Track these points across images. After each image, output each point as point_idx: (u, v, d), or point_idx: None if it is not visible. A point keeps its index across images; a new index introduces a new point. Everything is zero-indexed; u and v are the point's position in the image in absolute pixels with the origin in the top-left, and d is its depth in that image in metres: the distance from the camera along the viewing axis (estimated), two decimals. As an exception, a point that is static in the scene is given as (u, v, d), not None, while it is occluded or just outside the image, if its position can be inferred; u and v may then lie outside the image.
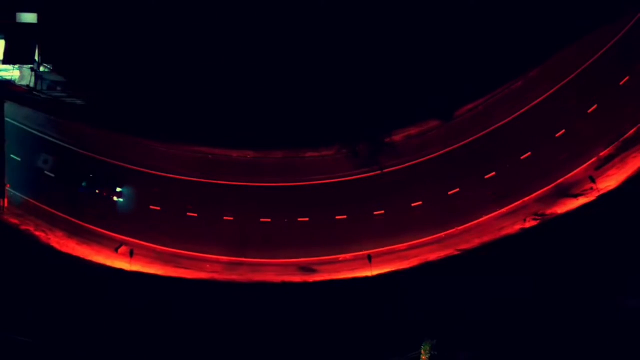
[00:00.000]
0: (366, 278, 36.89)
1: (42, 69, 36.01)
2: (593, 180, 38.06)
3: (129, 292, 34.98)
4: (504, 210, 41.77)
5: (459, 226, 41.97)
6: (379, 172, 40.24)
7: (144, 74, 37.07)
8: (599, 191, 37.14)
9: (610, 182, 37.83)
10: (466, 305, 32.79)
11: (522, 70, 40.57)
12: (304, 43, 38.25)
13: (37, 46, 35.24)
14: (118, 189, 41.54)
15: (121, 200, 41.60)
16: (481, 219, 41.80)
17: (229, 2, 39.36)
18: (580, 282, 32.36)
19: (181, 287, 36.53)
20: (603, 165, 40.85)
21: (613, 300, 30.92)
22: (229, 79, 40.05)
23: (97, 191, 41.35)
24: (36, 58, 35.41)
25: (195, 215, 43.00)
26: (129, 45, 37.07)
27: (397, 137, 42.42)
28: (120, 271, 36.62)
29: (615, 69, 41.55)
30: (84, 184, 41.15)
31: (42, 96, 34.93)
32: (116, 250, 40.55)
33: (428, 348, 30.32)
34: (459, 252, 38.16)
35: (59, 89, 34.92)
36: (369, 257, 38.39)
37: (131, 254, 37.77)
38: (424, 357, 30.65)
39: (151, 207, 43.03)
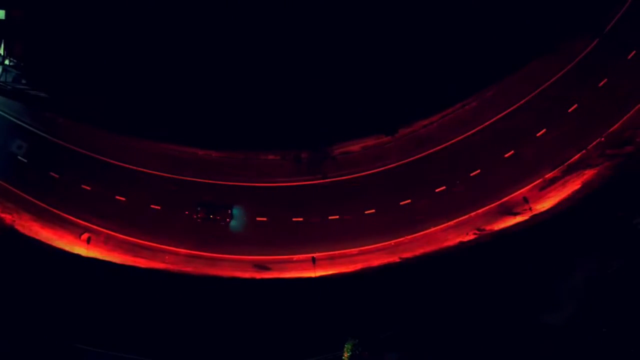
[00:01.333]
0: (309, 279, 38.84)
1: (6, 62, 37.77)
2: (527, 201, 40.32)
3: (81, 277, 36.73)
4: (451, 223, 43.86)
5: (408, 235, 44.31)
6: (322, 179, 42.32)
7: (110, 70, 39.17)
8: (533, 211, 39.40)
9: (546, 203, 40.11)
10: (397, 309, 34.79)
11: (476, 90, 42.88)
12: (267, 50, 40.43)
13: (2, 40, 37.17)
14: (230, 211, 43.30)
15: (233, 222, 43.29)
16: (429, 230, 43.86)
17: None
18: (504, 294, 34.48)
19: (132, 276, 38.32)
20: (547, 186, 43.17)
21: (532, 314, 33.11)
22: (198, 77, 42.09)
23: (211, 216, 43.14)
24: (1, 52, 37.26)
25: (159, 207, 45.13)
26: (92, 41, 39.01)
27: (355, 147, 44.62)
28: (77, 257, 38.40)
29: (566, 96, 43.83)
30: (199, 208, 42.80)
31: (8, 87, 36.76)
32: (80, 236, 42.49)
33: (350, 347, 32.26)
34: (400, 260, 40.25)
35: (23, 81, 36.80)
36: (313, 260, 40.36)
37: (88, 240, 39.58)
38: (346, 355, 32.58)
39: (117, 197, 45.17)
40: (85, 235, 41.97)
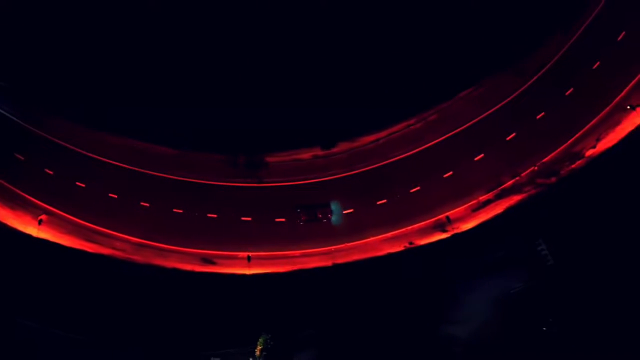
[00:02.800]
0: (243, 275, 41.55)
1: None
2: (449, 220, 43.24)
3: (29, 256, 39.16)
4: (388, 235, 46.74)
5: (347, 243, 47.15)
6: (258, 184, 45.21)
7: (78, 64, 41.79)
8: (457, 230, 42.35)
9: (471, 223, 43.06)
10: (317, 310, 37.60)
11: (418, 112, 45.79)
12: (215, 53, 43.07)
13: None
14: (329, 209, 45.70)
15: (334, 218, 45.75)
16: (367, 240, 46.79)
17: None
18: (416, 304, 37.42)
19: (78, 259, 40.73)
20: (479, 208, 46.12)
21: (440, 325, 36.06)
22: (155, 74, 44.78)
23: (315, 216, 45.61)
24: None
25: (116, 197, 47.56)
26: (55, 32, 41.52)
27: (305, 155, 47.44)
28: (28, 237, 40.83)
29: (506, 125, 46.80)
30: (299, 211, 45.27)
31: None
32: (38, 217, 44.85)
33: (262, 341, 34.99)
34: (332, 265, 43.10)
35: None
36: (248, 258, 43.07)
37: (40, 222, 41.98)
38: (259, 348, 35.33)
39: (77, 183, 47.61)
40: (43, 217, 44.33)
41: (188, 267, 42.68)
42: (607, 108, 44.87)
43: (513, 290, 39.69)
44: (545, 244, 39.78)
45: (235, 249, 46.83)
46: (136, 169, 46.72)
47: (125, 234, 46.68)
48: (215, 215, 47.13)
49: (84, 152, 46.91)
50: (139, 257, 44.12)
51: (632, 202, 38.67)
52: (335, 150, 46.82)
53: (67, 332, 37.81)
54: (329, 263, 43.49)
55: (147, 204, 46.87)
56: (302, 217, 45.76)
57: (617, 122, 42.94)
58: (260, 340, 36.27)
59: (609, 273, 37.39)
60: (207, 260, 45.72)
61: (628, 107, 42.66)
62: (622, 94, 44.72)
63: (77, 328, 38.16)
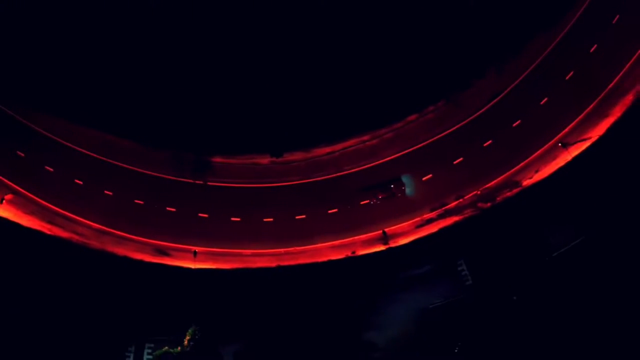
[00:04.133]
0: (187, 269, 44.28)
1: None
2: (385, 235, 46.00)
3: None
4: (336, 242, 49.45)
5: (297, 247, 49.76)
6: (216, 182, 47.76)
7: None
8: (392, 244, 45.24)
9: (408, 239, 45.86)
10: (252, 308, 40.42)
11: (373, 129, 48.60)
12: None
13: None
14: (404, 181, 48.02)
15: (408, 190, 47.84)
16: (316, 245, 49.46)
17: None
18: (341, 310, 40.27)
19: (33, 240, 43.01)
20: (422, 225, 48.88)
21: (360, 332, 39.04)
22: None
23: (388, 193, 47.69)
24: None
25: (81, 183, 49.94)
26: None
27: (264, 160, 50.04)
28: (-14, 215, 43.17)
29: (455, 149, 49.50)
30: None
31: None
32: (4, 196, 47.14)
33: (191, 332, 37.53)
34: (277, 266, 45.76)
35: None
36: (194, 253, 45.64)
37: (1, 201, 44.26)
38: (187, 338, 37.88)
39: (46, 167, 49.94)
40: (8, 196, 46.64)
41: (139, 256, 45.09)
42: (550, 142, 47.82)
43: (432, 305, 42.65)
44: (467, 264, 42.75)
45: (190, 244, 49.35)
46: (103, 158, 49.09)
47: (88, 220, 49.36)
48: (174, 209, 49.67)
49: (55, 137, 49.25)
50: (95, 243, 46.44)
51: (552, 234, 41.78)
52: (293, 158, 49.57)
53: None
54: (274, 264, 46.07)
55: (111, 193, 49.37)
56: (379, 196, 47.88)
57: (554, 157, 45.98)
58: (189, 331, 38.83)
59: (522, 301, 40.66)
60: (161, 252, 48.12)
61: (560, 144, 45.92)
62: (565, 131, 47.58)
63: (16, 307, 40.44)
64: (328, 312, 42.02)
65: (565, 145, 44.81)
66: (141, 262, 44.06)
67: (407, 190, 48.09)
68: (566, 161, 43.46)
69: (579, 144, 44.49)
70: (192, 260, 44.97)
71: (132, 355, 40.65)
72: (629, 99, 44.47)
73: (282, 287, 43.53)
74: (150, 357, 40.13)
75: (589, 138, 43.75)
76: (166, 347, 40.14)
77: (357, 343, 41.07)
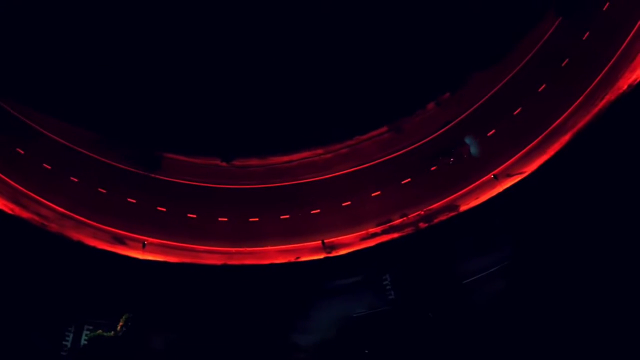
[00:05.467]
0: (135, 259, 46.99)
1: None
2: (324, 244, 48.88)
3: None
4: (283, 247, 52.27)
5: (247, 247, 52.47)
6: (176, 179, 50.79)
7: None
8: (332, 254, 48.12)
9: (347, 250, 48.71)
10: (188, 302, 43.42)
11: (328, 144, 51.45)
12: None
13: None
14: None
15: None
16: (265, 248, 52.15)
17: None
18: (273, 311, 43.28)
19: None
20: (368, 238, 51.70)
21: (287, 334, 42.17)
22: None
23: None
24: None
25: (49, 167, 52.52)
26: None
27: (224, 163, 52.71)
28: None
29: (404, 170, 52.46)
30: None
31: None
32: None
33: (125, 319, 40.39)
34: (222, 264, 48.49)
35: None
36: (143, 244, 48.31)
37: (-36, 181, 47.13)
38: (121, 324, 40.71)
39: (17, 149, 52.42)
40: (-24, 175, 49.27)
41: (93, 242, 47.64)
42: (494, 172, 50.77)
43: (355, 314, 45.61)
44: (392, 279, 45.72)
45: (146, 234, 51.85)
46: (70, 145, 51.52)
47: (52, 203, 51.94)
48: (134, 201, 52.29)
49: (29, 122, 51.83)
50: (55, 226, 48.89)
51: (475, 259, 44.86)
52: (250, 163, 52.40)
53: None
54: (220, 262, 48.81)
55: (76, 180, 51.99)
56: (449, 161, 50.24)
57: (493, 186, 48.99)
58: (123, 317, 41.68)
59: (438, 318, 43.74)
60: (118, 240, 50.61)
61: (493, 176, 49.08)
62: (507, 163, 50.62)
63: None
64: (262, 312, 44.85)
65: (497, 177, 48.16)
66: (94, 248, 46.63)
67: (355, 204, 51.10)
68: (497, 192, 46.66)
69: (515, 177, 47.70)
70: (146, 250, 47.66)
71: (71, 335, 43.39)
72: (565, 138, 47.68)
73: (223, 285, 46.20)
74: (87, 338, 42.95)
75: (522, 173, 47.03)
76: (100, 331, 42.97)
77: (284, 343, 43.98)
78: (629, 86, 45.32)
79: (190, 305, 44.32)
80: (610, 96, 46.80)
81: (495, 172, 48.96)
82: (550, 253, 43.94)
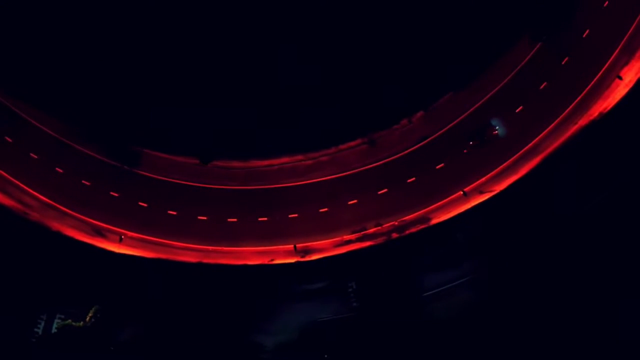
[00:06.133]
0: (110, 252, 48.48)
1: None
2: (296, 249, 50.29)
3: None
4: (259, 249, 53.52)
5: (224, 247, 53.79)
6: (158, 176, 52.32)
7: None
8: (303, 258, 49.52)
9: (319, 256, 50.13)
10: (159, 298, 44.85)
11: (308, 151, 52.94)
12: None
13: None
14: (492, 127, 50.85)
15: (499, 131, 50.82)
16: (242, 249, 53.53)
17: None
18: (240, 311, 44.73)
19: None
20: (342, 245, 53.07)
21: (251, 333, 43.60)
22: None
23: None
24: None
25: (36, 157, 53.73)
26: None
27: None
28: None
29: (380, 181, 53.77)
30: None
31: None
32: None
33: (94, 310, 41.74)
34: (197, 261, 49.83)
35: None
36: (120, 238, 49.60)
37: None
38: (90, 315, 42.07)
39: (6, 137, 53.50)
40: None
41: (72, 233, 48.94)
42: (467, 187, 52.20)
43: (320, 319, 47.04)
44: (357, 287, 47.12)
45: (126, 228, 53.10)
46: (57, 136, 52.60)
47: (37, 192, 53.11)
48: (117, 195, 53.57)
49: (18, 111, 53.07)
50: (36, 215, 50.11)
51: (443, 270, 46.34)
52: (232, 165, 53.75)
53: None
54: (196, 260, 50.12)
55: (61, 170, 53.24)
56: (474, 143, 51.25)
57: (466, 201, 50.48)
58: (93, 308, 42.97)
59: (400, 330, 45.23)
60: (98, 232, 51.86)
61: (462, 193, 50.63)
62: (481, 180, 52.10)
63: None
64: (231, 311, 46.21)
65: (466, 194, 49.68)
66: (71, 239, 47.93)
67: (331, 211, 52.51)
68: (465, 209, 48.16)
69: (486, 194, 49.21)
70: (122, 244, 48.97)
71: (43, 323, 44.58)
72: (536, 160, 49.19)
73: (196, 282, 47.54)
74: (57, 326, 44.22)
75: (492, 191, 48.53)
76: (69, 320, 44.19)
77: (250, 343, 45.31)
78: (600, 114, 47.17)
79: (161, 301, 45.58)
80: (582, 122, 48.50)
81: (467, 188, 50.54)
82: (514, 270, 45.49)
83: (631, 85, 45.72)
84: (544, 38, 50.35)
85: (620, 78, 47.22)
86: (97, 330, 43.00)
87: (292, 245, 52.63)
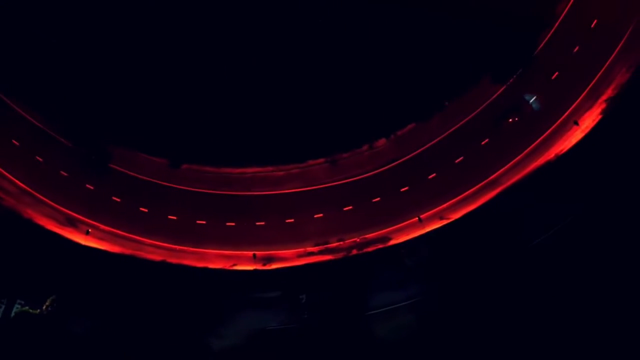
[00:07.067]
0: (76, 243, 50.30)
1: None
2: (255, 256, 52.29)
3: None
4: (224, 252, 55.18)
5: (191, 247, 55.71)
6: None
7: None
8: (265, 266, 51.49)
9: (280, 265, 52.10)
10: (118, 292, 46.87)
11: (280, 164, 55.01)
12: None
13: None
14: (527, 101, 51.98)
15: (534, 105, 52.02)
16: (206, 250, 55.30)
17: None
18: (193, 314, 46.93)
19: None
20: (304, 256, 54.99)
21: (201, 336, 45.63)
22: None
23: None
24: None
25: (18, 144, 55.28)
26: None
27: (183, 165, 56.22)
28: None
29: (346, 197, 55.76)
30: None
31: None
32: None
33: (51, 300, 43.64)
34: (160, 260, 51.70)
35: None
36: (87, 231, 51.52)
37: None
38: (47, 304, 43.94)
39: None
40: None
41: (43, 221, 50.82)
42: (429, 212, 54.30)
43: (269, 327, 48.94)
44: (307, 299, 49.04)
45: (98, 221, 55.02)
46: (40, 126, 54.50)
47: (15, 178, 54.95)
48: (92, 187, 55.44)
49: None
50: (12, 201, 51.93)
51: (391, 291, 48.38)
52: (206, 169, 55.72)
53: None
54: (160, 258, 52.01)
55: (41, 159, 55.10)
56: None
57: (423, 226, 52.48)
58: (50, 298, 44.85)
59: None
60: (71, 222, 53.72)
61: (418, 219, 52.69)
62: (441, 207, 54.24)
63: None
64: (185, 312, 48.13)
65: (422, 220, 51.77)
66: (41, 227, 49.79)
67: (297, 222, 54.53)
68: (422, 233, 50.30)
69: (444, 220, 51.30)
70: (90, 236, 50.83)
71: (3, 307, 46.41)
72: (494, 192, 51.33)
73: (157, 280, 49.41)
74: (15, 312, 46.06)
75: (449, 218, 50.63)
76: (27, 307, 45.96)
77: (198, 346, 47.24)
78: (555, 155, 49.38)
79: (120, 296, 47.38)
80: (540, 161, 50.61)
81: (427, 213, 52.70)
82: (461, 297, 47.51)
83: (587, 131, 47.95)
84: (515, 76, 52.52)
85: (577, 124, 49.55)
86: (51, 320, 44.81)
87: (256, 253, 54.66)
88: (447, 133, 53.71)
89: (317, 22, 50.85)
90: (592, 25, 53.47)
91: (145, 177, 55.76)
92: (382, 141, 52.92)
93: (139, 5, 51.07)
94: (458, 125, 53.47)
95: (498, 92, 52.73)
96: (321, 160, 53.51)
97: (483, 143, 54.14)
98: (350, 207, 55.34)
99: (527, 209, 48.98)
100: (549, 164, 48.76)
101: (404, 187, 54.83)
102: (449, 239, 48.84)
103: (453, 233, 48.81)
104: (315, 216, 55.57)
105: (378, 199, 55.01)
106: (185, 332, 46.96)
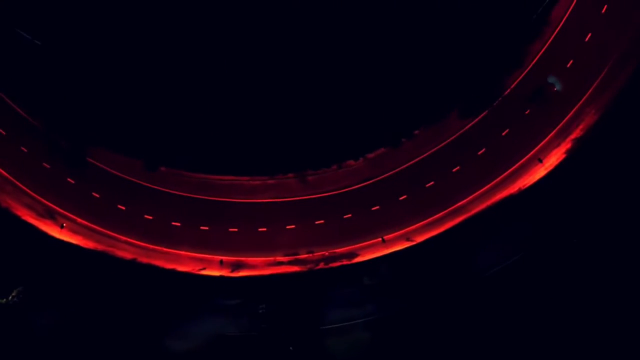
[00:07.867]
0: (51, 237, 51.85)
1: None
2: (221, 262, 54.02)
3: None
4: (196, 255, 56.64)
5: (164, 248, 56.96)
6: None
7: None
8: (232, 272, 53.13)
9: (248, 272, 53.76)
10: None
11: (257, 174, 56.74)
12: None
13: None
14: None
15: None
16: (179, 252, 56.71)
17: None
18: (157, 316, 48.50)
19: None
20: (273, 265, 56.50)
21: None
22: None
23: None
24: None
25: (4, 133, 56.70)
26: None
27: (162, 168, 57.67)
28: None
29: (320, 212, 57.59)
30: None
31: None
32: None
33: (16, 292, 45.06)
34: (131, 258, 53.20)
35: None
36: (62, 225, 52.95)
37: None
38: (13, 294, 45.42)
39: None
40: None
41: (20, 212, 52.25)
42: (392, 234, 56.21)
43: (228, 333, 50.53)
44: (267, 309, 50.70)
45: (76, 214, 56.46)
46: (26, 116, 55.73)
47: (3, 169, 56.31)
48: (73, 182, 56.85)
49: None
50: (9, 200, 53.35)
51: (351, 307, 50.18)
52: (187, 174, 57.32)
53: None
54: (130, 257, 53.51)
55: (25, 150, 56.45)
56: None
57: (389, 246, 54.25)
58: (16, 289, 46.26)
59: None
60: (49, 213, 55.10)
61: (405, 239, 54.31)
62: (409, 229, 56.11)
63: None
64: (148, 312, 49.63)
65: (385, 241, 53.60)
66: (17, 217, 51.22)
67: (270, 232, 56.31)
68: (383, 254, 52.21)
69: (411, 242, 53.15)
70: (64, 231, 52.24)
71: None
72: (459, 219, 53.19)
73: (125, 279, 50.88)
74: (-15, 298, 47.51)
75: (414, 241, 52.46)
76: None
77: (159, 348, 48.79)
78: (519, 189, 51.37)
79: (86, 292, 48.81)
80: (502, 194, 52.64)
81: (392, 234, 54.51)
82: (419, 318, 49.34)
83: (550, 169, 50.04)
84: (489, 110, 54.50)
85: (541, 161, 51.56)
86: (15, 311, 46.19)
87: (226, 258, 56.21)
88: (419, 158, 55.78)
89: (297, 43, 52.39)
90: (568, 65, 56.03)
91: (125, 176, 56.91)
92: (351, 162, 54.91)
93: (121, 6, 52.67)
94: (431, 152, 55.53)
95: (469, 125, 54.92)
96: (290, 175, 55.33)
97: (455, 170, 56.22)
98: (322, 221, 57.11)
99: (489, 238, 50.93)
100: (511, 197, 50.86)
101: (375, 206, 56.81)
102: (409, 261, 50.67)
103: (414, 255, 50.66)
104: (288, 227, 57.26)
105: (349, 215, 56.85)
106: (146, 331, 48.41)
